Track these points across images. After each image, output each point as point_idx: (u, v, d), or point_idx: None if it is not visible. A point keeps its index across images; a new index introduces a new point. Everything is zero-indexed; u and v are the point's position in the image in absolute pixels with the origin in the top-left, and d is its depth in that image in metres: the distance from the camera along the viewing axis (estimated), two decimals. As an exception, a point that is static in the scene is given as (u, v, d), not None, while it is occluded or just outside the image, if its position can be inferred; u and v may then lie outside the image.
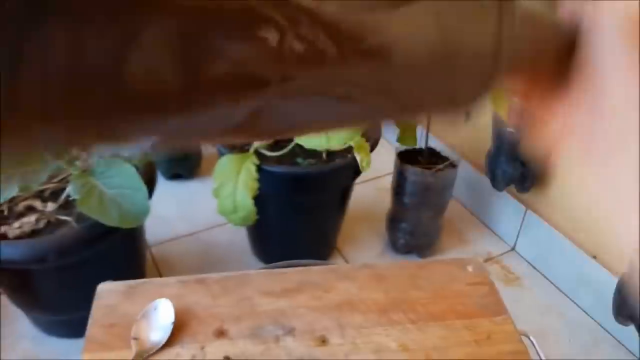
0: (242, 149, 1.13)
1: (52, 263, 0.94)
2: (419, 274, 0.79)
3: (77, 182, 0.91)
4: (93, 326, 0.70)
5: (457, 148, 1.32)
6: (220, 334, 0.70)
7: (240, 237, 1.46)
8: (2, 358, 1.20)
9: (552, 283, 1.37)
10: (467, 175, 1.50)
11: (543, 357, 0.71)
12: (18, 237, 1.00)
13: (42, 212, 1.05)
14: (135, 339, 0.67)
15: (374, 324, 0.71)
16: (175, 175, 1.68)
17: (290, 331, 0.70)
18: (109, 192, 0.90)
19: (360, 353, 0.67)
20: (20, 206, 1.07)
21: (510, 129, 1.16)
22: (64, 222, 1.03)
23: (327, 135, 0.97)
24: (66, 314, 1.15)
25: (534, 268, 1.41)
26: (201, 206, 1.60)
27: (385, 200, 1.43)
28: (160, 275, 1.37)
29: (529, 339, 0.73)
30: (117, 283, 0.77)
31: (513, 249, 1.47)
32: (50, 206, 1.06)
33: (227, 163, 0.99)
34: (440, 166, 1.23)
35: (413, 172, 1.23)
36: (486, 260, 1.43)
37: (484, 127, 1.29)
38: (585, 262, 1.25)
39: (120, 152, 0.94)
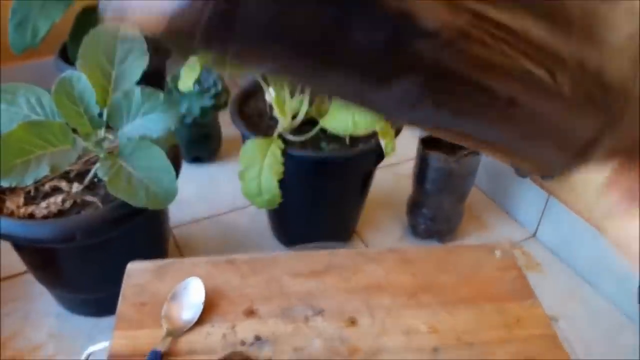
0: (267, 133, 1.13)
1: (78, 243, 0.95)
2: (446, 259, 0.79)
3: (105, 163, 0.91)
4: (123, 304, 0.71)
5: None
6: (251, 313, 0.70)
7: (260, 220, 1.46)
8: (26, 335, 1.22)
9: (573, 270, 1.37)
10: (489, 162, 1.49)
11: (572, 342, 0.71)
12: (45, 217, 1.01)
13: (67, 192, 1.06)
14: (166, 317, 0.68)
15: (403, 306, 0.71)
16: (196, 158, 1.69)
17: (320, 312, 0.70)
18: (137, 173, 0.91)
19: (390, 334, 0.67)
20: (47, 187, 1.08)
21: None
22: (90, 203, 1.04)
23: (353, 119, 0.97)
24: (90, 292, 1.16)
25: (555, 255, 1.41)
26: (221, 189, 1.61)
27: (405, 186, 1.43)
28: (182, 256, 1.38)
29: (558, 323, 0.73)
30: (147, 262, 0.78)
31: (534, 235, 1.46)
32: (76, 187, 1.07)
33: (252, 147, 0.99)
34: (464, 152, 1.22)
35: (436, 159, 1.23)
36: (506, 247, 1.43)
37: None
38: (608, 249, 1.25)
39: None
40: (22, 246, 1.10)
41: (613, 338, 1.21)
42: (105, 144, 1.00)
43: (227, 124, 1.69)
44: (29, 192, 1.07)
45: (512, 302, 0.73)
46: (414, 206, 1.36)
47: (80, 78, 0.94)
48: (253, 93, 1.26)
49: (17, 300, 1.29)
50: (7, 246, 1.14)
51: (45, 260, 1.11)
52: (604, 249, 1.26)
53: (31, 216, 1.02)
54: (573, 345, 0.95)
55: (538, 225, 1.44)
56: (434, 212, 1.32)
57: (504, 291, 0.74)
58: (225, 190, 1.59)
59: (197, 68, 0.87)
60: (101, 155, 0.96)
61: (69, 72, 0.95)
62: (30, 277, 1.25)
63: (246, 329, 0.68)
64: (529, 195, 1.44)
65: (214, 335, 0.68)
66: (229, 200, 1.55)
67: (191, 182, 1.62)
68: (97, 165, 0.97)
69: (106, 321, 1.18)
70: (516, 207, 1.50)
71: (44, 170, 0.88)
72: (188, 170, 1.66)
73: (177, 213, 1.47)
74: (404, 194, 1.42)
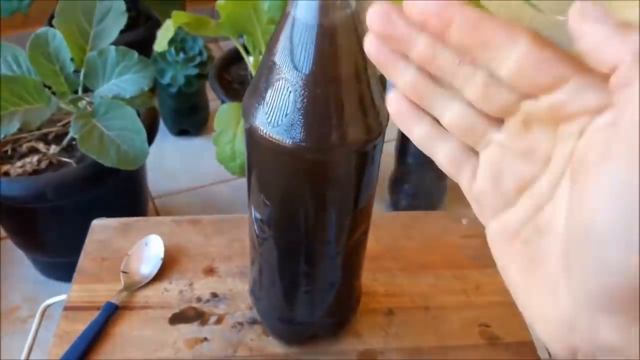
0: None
1: (50, 201, 0.95)
2: (412, 225, 0.78)
3: (78, 121, 0.91)
4: (85, 259, 0.71)
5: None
6: (210, 271, 0.70)
7: (243, 193, 1.46)
8: (3, 297, 1.22)
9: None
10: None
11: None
12: (19, 176, 1.01)
13: (44, 153, 1.06)
14: (125, 272, 0.68)
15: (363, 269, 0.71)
16: (182, 131, 1.68)
17: (279, 272, 0.70)
18: (109, 133, 0.90)
19: (347, 296, 0.67)
20: (24, 147, 1.08)
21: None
22: (66, 164, 1.04)
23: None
24: (65, 256, 1.16)
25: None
26: (206, 162, 1.60)
27: (388, 164, 1.42)
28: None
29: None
30: (112, 220, 0.77)
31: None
32: (53, 148, 1.07)
33: (227, 110, 0.98)
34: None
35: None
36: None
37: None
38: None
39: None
40: (-2, 206, 1.11)
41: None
42: (82, 105, 1.00)
43: (215, 97, 1.69)
44: (6, 151, 1.07)
45: (473, 269, 0.72)
46: (396, 182, 1.36)
47: (56, 35, 0.93)
48: (235, 60, 1.25)
49: (-4, 263, 1.30)
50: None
51: (21, 222, 1.11)
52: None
53: (6, 174, 1.01)
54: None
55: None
56: (416, 188, 1.31)
57: (466, 258, 0.74)
58: (210, 163, 1.57)
59: (172, 28, 0.86)
60: (76, 114, 0.95)
61: (44, 29, 0.94)
62: (10, 243, 1.25)
63: (204, 287, 0.68)
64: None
65: (171, 291, 0.67)
66: (212, 173, 1.55)
67: (176, 154, 1.62)
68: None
69: (83, 286, 1.19)
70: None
71: (14, 127, 0.88)
72: (174, 142, 1.66)
73: (160, 183, 1.47)
74: (387, 172, 1.41)
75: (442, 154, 0.28)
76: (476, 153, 0.27)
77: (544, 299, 0.23)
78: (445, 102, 0.25)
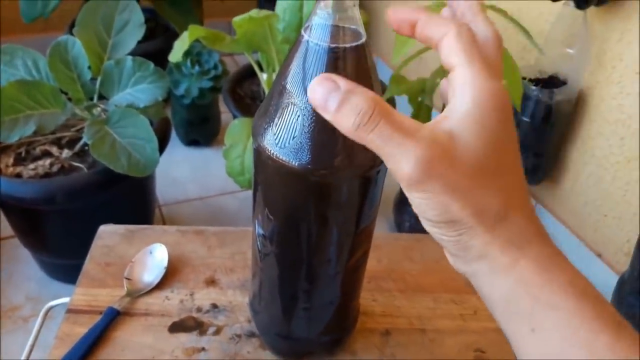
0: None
1: (60, 205, 0.97)
2: (413, 247, 0.79)
3: (91, 128, 0.93)
4: (89, 263, 0.72)
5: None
6: (211, 282, 0.71)
7: (248, 205, 1.47)
8: (6, 295, 1.23)
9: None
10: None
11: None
12: (31, 178, 1.03)
13: (57, 157, 1.08)
14: (128, 279, 0.69)
15: (362, 289, 0.72)
16: (193, 141, 1.71)
17: (280, 287, 0.71)
18: (121, 140, 0.92)
19: (345, 314, 0.68)
20: (38, 150, 1.10)
21: (525, 118, 1.15)
22: (77, 169, 1.06)
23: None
24: (70, 258, 1.18)
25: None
26: (215, 173, 1.62)
27: (394, 183, 1.43)
28: (167, 234, 1.40)
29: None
30: (119, 226, 0.79)
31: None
32: (66, 153, 1.09)
33: (239, 125, 1.00)
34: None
35: (425, 156, 1.22)
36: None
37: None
38: (590, 260, 1.24)
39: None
40: (8, 207, 1.12)
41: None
42: (96, 112, 1.02)
43: (226, 110, 1.71)
44: (20, 153, 1.09)
45: (472, 294, 0.73)
46: (401, 203, 1.37)
47: (75, 43, 0.95)
48: (248, 75, 1.27)
49: (2, 261, 1.31)
50: (-2, 210, 1.16)
51: (29, 223, 1.13)
52: (586, 260, 1.26)
53: (18, 176, 1.03)
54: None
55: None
56: (420, 210, 1.32)
57: (466, 283, 0.74)
58: (218, 174, 1.60)
59: (187, 40, 0.88)
60: (89, 120, 0.97)
61: (64, 37, 0.96)
62: (17, 241, 1.27)
63: (204, 297, 0.69)
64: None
65: (172, 299, 0.68)
66: (220, 184, 1.57)
67: (186, 163, 1.64)
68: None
69: (86, 289, 1.20)
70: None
71: (30, 129, 0.90)
72: (184, 151, 1.69)
73: (168, 191, 1.49)
74: (392, 191, 1.43)
75: None
76: None
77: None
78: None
